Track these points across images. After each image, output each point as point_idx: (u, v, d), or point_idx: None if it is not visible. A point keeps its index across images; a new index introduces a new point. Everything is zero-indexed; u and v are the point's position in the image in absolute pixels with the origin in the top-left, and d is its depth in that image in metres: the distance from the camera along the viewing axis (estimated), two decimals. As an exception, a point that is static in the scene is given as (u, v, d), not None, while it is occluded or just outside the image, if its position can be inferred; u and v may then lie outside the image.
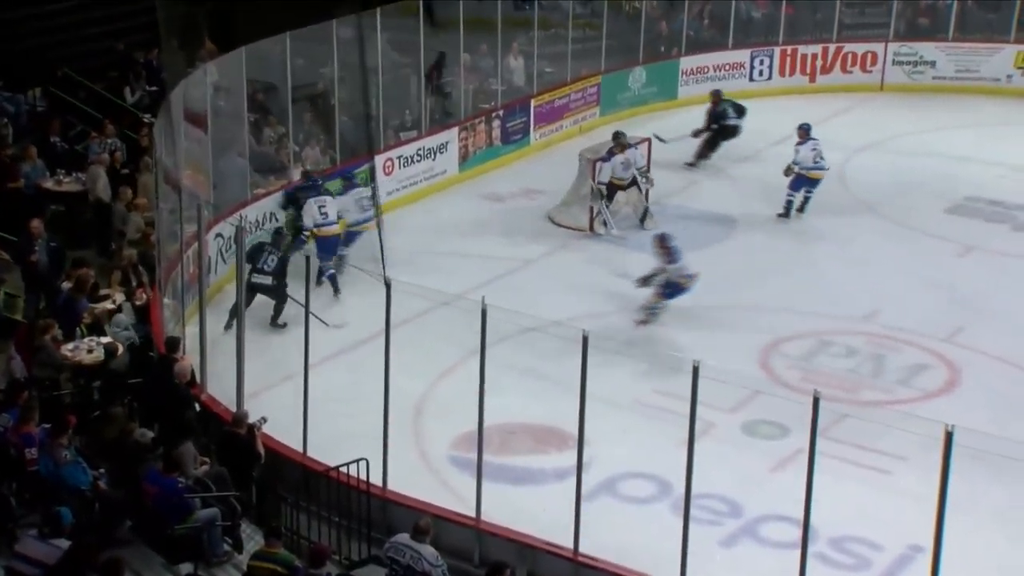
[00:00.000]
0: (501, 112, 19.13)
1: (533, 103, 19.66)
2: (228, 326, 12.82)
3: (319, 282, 14.07)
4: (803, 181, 16.66)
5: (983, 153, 19.01)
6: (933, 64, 22.56)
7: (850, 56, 22.66)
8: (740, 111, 18.75)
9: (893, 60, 22.60)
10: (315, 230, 14.43)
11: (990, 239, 16.08)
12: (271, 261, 13.47)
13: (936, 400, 12.21)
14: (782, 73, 22.62)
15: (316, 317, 12.03)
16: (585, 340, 9.15)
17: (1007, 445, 9.80)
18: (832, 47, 22.67)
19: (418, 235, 16.20)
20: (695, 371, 8.87)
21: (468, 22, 18.40)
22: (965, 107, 21.47)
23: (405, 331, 11.63)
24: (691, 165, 18.48)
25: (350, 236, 14.77)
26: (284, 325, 13.46)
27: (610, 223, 16.24)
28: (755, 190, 17.70)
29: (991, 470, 9.90)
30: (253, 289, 13.20)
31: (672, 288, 13.53)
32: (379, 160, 16.83)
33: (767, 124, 20.74)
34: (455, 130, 18.33)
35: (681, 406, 9.20)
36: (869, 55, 22.63)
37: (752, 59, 22.40)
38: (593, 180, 16.31)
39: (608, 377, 11.16)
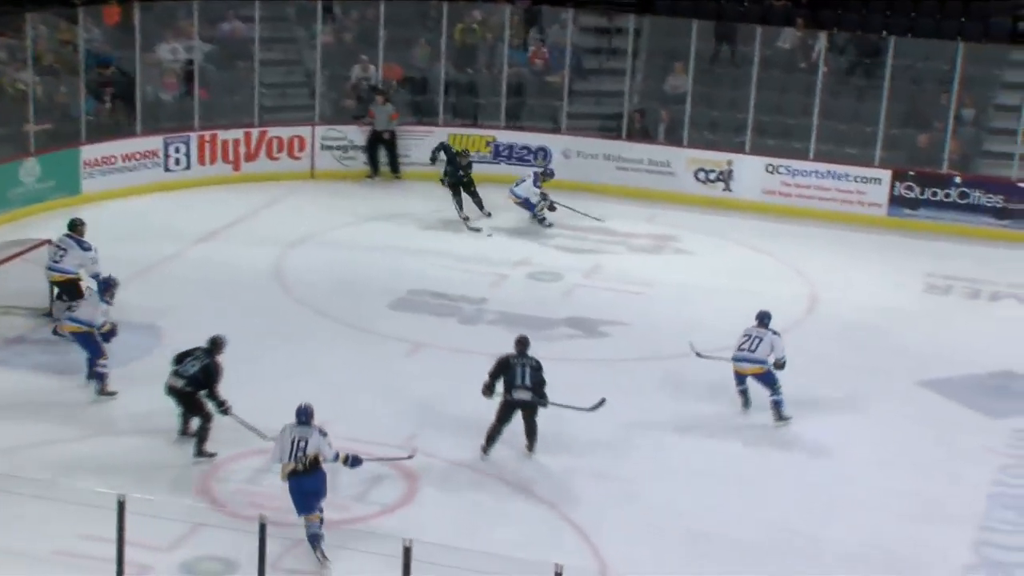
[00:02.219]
0: None
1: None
2: None
3: None
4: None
5: (421, 243, 20.14)
6: (363, 149, 23.71)
7: (276, 141, 23.30)
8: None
9: (322, 145, 23.53)
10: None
11: (439, 334, 16.98)
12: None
13: (396, 513, 12.63)
14: (202, 162, 22.81)
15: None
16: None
17: (466, 556, 10.35)
18: (256, 132, 23.20)
19: None
20: (120, 507, 8.62)
21: None
22: (398, 192, 22.73)
23: None
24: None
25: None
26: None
27: None
28: (181, 292, 17.60)
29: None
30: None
31: None
32: None
33: (189, 219, 20.84)
34: None
35: (110, 550, 8.91)
36: (296, 140, 23.39)
37: (166, 147, 22.40)
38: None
39: (20, 525, 10.57)
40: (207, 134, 22.86)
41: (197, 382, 13.48)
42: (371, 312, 17.50)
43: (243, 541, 9.48)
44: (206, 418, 13.51)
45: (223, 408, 13.50)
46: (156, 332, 16.50)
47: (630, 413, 14.93)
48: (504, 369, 13.83)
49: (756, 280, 19.51)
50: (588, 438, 14.35)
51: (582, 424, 14.54)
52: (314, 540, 11.46)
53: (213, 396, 13.50)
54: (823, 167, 22.76)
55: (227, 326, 16.38)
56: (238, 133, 23.10)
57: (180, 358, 13.70)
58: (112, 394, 14.69)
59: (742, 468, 13.94)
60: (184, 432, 13.73)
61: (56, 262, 16.27)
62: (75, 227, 16.57)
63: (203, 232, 20.32)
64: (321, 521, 11.59)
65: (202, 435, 13.50)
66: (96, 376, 14.77)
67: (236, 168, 23.08)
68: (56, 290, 16.37)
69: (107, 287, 15.19)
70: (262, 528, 8.60)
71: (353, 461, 12.38)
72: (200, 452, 13.48)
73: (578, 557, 11.75)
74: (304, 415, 11.99)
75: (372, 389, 15.24)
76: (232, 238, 20.31)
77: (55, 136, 21.43)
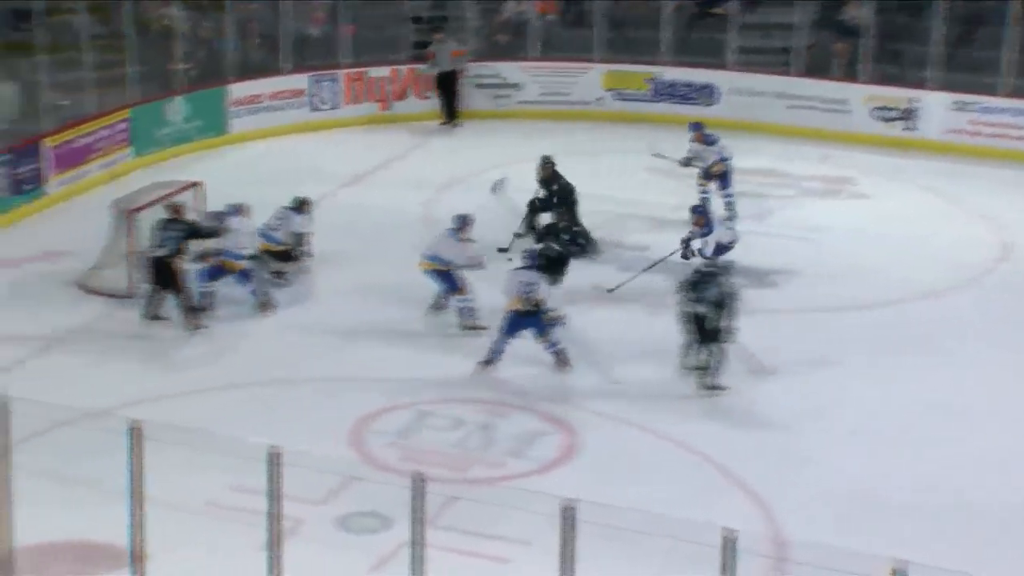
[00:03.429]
0: (5, 156, 18.37)
1: (47, 144, 19.02)
2: None
3: None
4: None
5: (579, 185, 20.09)
6: (518, 87, 23.76)
7: (425, 79, 23.43)
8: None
9: (475, 83, 23.61)
10: None
11: (597, 283, 16.97)
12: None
13: (555, 471, 12.71)
14: (349, 100, 23.08)
15: None
16: (136, 432, 8.91)
17: (629, 516, 10.38)
18: (404, 69, 23.38)
19: (-94, 315, 15.38)
20: (274, 458, 8.80)
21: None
22: (555, 133, 22.73)
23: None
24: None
25: None
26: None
27: None
28: (328, 237, 17.86)
29: (620, 546, 10.40)
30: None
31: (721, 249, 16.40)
32: None
33: (336, 161, 21.16)
34: (-58, 181, 17.51)
35: (262, 503, 9.13)
36: (447, 77, 23.54)
37: (313, 85, 22.72)
38: (131, 236, 15.97)
39: (169, 475, 10.88)
40: (354, 72, 23.13)
41: (718, 306, 14.01)
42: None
43: (398, 497, 9.64)
44: (718, 352, 14.06)
45: (732, 336, 14.04)
46: (306, 279, 16.85)
47: (797, 366, 14.83)
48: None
49: (939, 226, 19.14)
50: (755, 394, 14.31)
51: (748, 382, 14.49)
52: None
53: (729, 323, 14.02)
54: (1017, 104, 22.14)
55: (376, 271, 16.78)
56: (386, 71, 23.31)
57: (694, 285, 14.17)
58: (483, 328, 15.28)
59: (912, 425, 13.70)
60: (698, 367, 14.19)
61: (273, 230, 16.50)
62: (301, 204, 16.80)
63: (350, 174, 20.61)
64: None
65: (715, 367, 14.11)
66: (461, 312, 15.57)
67: (384, 107, 23.31)
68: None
69: (463, 224, 15.80)
70: (418, 484, 8.70)
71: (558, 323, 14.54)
72: (712, 386, 14.09)
73: (747, 520, 11.70)
74: (531, 258, 14.64)
75: (527, 341, 15.31)
76: (380, 180, 20.57)
77: (201, 74, 21.89)
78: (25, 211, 18.50)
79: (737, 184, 19.97)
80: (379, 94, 23.30)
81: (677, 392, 14.24)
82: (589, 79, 23.88)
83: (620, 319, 16.03)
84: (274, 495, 9.05)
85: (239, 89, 21.97)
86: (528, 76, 23.81)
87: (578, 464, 12.90)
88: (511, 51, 24.06)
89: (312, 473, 11.13)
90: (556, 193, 17.81)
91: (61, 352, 14.83)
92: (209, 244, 15.66)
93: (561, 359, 14.52)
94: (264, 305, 15.80)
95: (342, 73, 23.02)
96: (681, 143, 20.84)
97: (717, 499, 12.27)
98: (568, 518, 8.72)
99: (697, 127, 19.26)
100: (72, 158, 19.43)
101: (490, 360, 14.44)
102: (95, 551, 11.07)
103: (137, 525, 9.22)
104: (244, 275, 15.74)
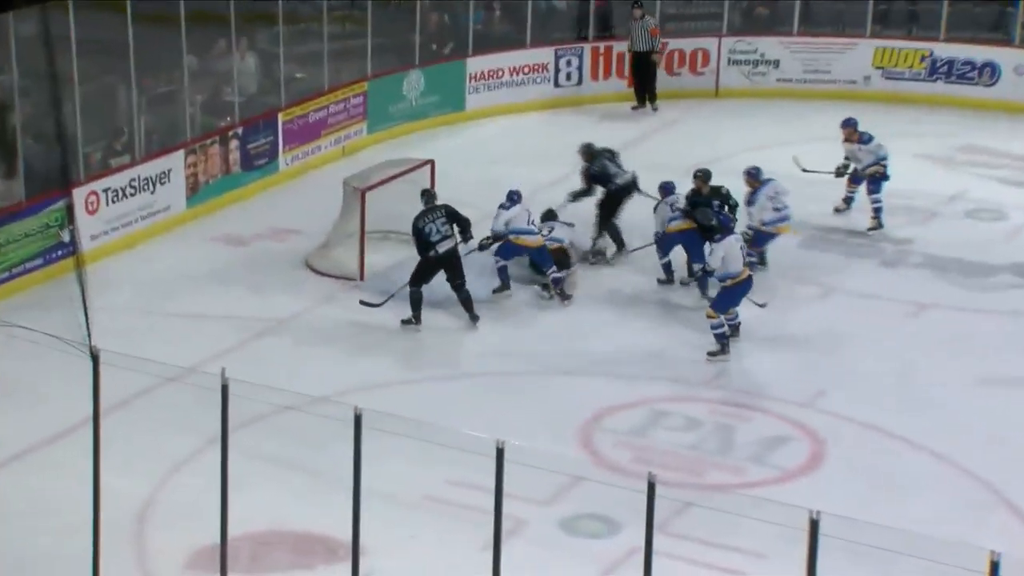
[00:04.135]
0: (240, 130, 18.95)
1: (281, 118, 19.57)
2: None
3: None
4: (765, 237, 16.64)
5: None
6: (776, 64, 23.44)
7: (676, 55, 23.35)
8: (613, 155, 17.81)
9: (729, 59, 23.40)
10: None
11: (852, 279, 16.67)
12: None
13: (798, 480, 12.56)
14: (594, 76, 23.13)
15: None
16: (358, 420, 9.06)
17: (879, 532, 10.14)
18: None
19: (135, 291, 15.98)
20: (499, 454, 8.85)
21: (192, 16, 18.21)
22: (815, 115, 22.34)
23: (120, 417, 11.33)
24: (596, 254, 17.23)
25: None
26: None
27: None
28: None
29: (870, 565, 10.18)
30: None
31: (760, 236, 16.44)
32: (78, 194, 16.43)
33: (577, 141, 21.09)
34: (180, 154, 18.05)
35: (483, 499, 9.18)
36: (700, 53, 23.39)
37: (557, 60, 22.83)
38: (362, 216, 16.27)
39: (390, 466, 11.11)
40: (601, 46, 23.16)
41: None
42: (775, 250, 17.28)
43: (627, 500, 9.62)
44: None
45: None
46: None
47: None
48: None
49: None
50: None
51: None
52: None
53: None
54: None
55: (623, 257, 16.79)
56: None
57: None
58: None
59: None
60: None
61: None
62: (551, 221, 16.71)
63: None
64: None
65: None
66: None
67: (631, 84, 23.25)
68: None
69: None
70: (651, 488, 8.63)
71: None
72: None
73: (1015, 543, 11.32)
74: (727, 222, 15.19)
75: (772, 339, 15.15)
76: (625, 162, 20.47)
77: (440, 47, 22.18)
78: (256, 187, 19.06)
79: (1014, 173, 19.38)
80: (626, 69, 23.23)
81: (934, 398, 13.88)
82: (856, 55, 23.39)
83: (874, 322, 15.67)
84: (497, 492, 9.08)
85: (478, 63, 22.18)
86: (787, 52, 23.45)
87: (824, 473, 12.72)
88: (770, 24, 23.75)
89: (538, 471, 11.19)
90: (588, 180, 17.42)
91: (284, 334, 15.20)
92: (499, 228, 15.89)
93: (735, 333, 14.89)
94: (566, 291, 15.95)
95: (588, 47, 23.07)
96: (950, 128, 20.35)
97: (982, 518, 11.96)
98: (813, 530, 8.56)
99: (849, 123, 18.21)
100: (305, 133, 19.93)
101: (723, 349, 14.62)
102: (312, 542, 11.36)
103: (356, 517, 9.36)
104: (541, 253, 15.94)
